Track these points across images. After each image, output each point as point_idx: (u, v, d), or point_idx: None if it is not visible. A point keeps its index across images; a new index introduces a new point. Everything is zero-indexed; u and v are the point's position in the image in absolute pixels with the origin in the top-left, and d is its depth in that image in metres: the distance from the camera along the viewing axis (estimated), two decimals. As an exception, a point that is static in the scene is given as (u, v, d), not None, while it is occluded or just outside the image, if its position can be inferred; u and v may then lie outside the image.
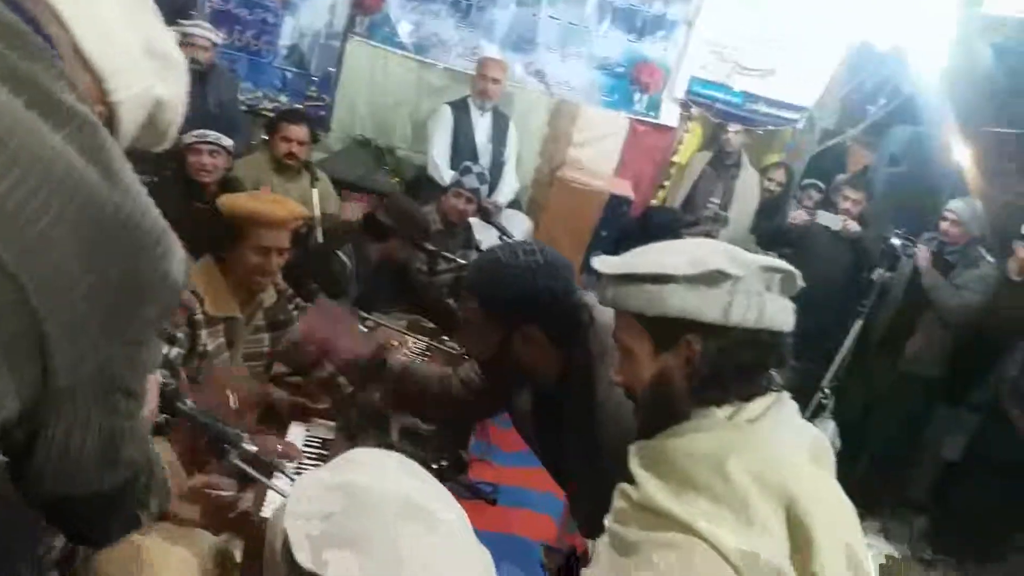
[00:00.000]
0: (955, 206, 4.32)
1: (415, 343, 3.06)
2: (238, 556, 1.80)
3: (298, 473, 1.94)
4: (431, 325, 3.42)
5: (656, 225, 4.68)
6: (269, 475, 1.81)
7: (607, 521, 1.20)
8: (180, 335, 2.06)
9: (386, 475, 0.90)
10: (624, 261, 1.20)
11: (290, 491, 0.85)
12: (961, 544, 4.24)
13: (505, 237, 3.86)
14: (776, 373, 1.20)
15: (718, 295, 1.12)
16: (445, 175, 4.28)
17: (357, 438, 2.25)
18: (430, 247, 3.43)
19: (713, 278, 1.12)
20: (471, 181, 3.77)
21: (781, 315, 1.15)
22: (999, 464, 4.14)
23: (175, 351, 2.04)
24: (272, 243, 2.17)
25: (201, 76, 4.12)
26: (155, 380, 1.47)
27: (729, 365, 1.14)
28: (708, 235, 4.73)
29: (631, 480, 1.16)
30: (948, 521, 4.29)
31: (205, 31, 4.15)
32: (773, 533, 1.03)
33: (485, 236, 4.18)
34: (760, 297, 1.13)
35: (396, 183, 4.91)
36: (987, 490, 4.09)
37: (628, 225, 4.68)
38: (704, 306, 1.12)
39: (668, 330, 1.15)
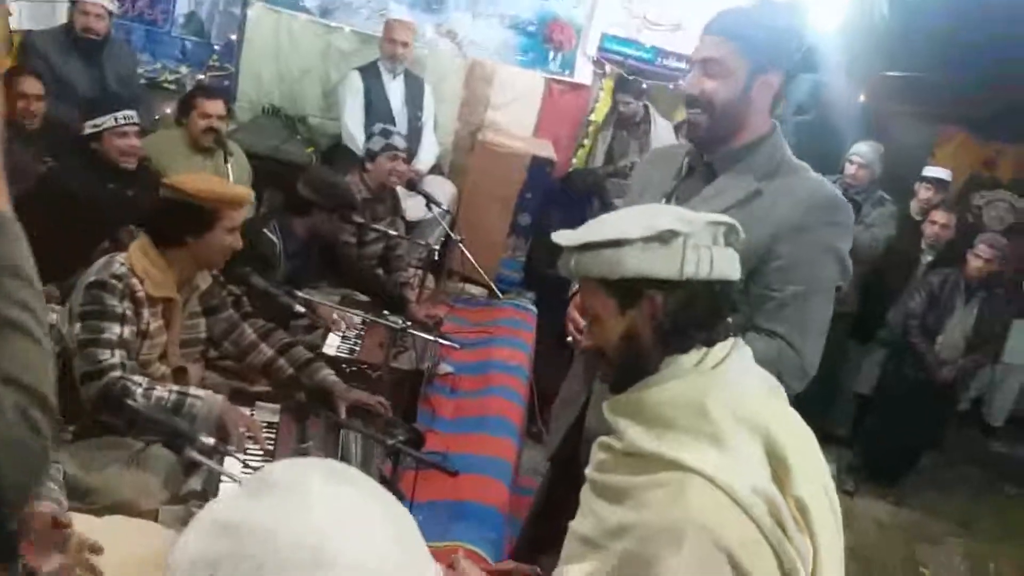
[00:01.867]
0: (860, 149, 4.52)
1: (352, 317, 3.03)
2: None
3: (246, 465, 1.91)
4: (364, 298, 3.39)
5: (580, 185, 4.74)
6: (222, 463, 1.78)
7: (588, 472, 1.26)
8: (127, 312, 2.01)
9: (314, 494, 0.70)
10: (582, 233, 1.27)
11: (182, 534, 0.71)
12: (880, 472, 4.54)
13: (433, 204, 3.83)
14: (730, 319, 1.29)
15: (671, 253, 1.20)
16: (360, 142, 4.18)
17: (306, 419, 2.22)
18: (358, 218, 3.37)
19: (665, 237, 1.20)
20: (399, 141, 3.70)
21: (729, 265, 1.25)
22: (906, 394, 4.43)
23: (127, 329, 2.00)
24: (236, 223, 2.22)
25: (97, 48, 3.89)
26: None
27: (690, 315, 1.22)
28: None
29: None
30: (867, 453, 4.57)
31: None
32: (756, 462, 1.14)
33: (411, 204, 4.13)
34: (709, 250, 1.22)
35: (311, 153, 4.78)
36: (898, 420, 4.38)
37: (552, 186, 4.70)
38: (660, 264, 1.20)
39: (630, 290, 1.23)
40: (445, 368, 3.12)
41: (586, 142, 5.23)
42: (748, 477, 1.11)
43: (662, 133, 4.99)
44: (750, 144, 1.76)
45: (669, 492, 1.11)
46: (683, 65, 5.13)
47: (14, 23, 3.37)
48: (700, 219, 1.23)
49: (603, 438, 1.26)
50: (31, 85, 3.34)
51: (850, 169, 4.49)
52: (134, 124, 3.12)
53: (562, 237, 1.29)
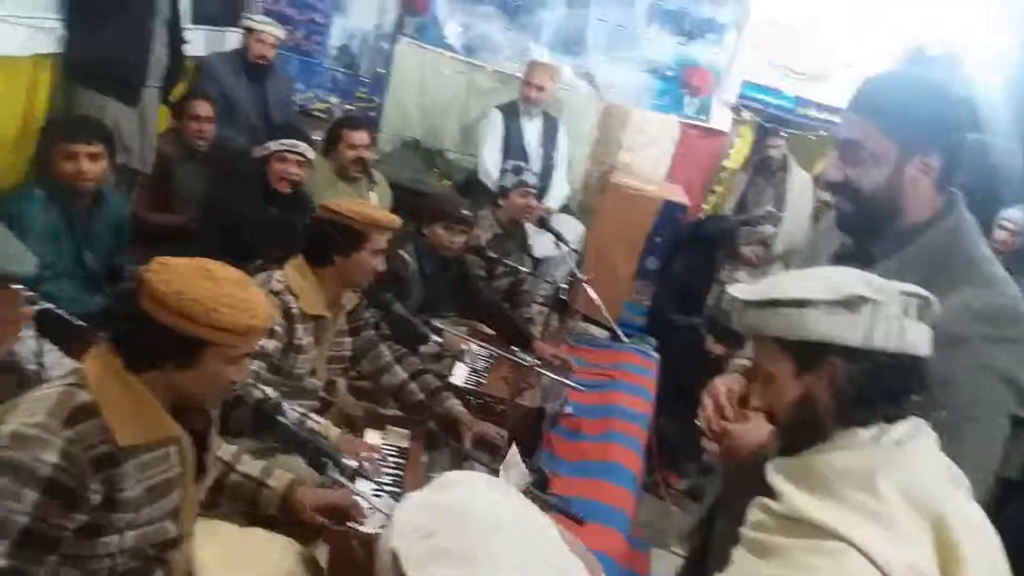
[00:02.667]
0: (1012, 215, 4.23)
1: (479, 349, 3.06)
2: (322, 562, 1.81)
3: (377, 487, 1.95)
4: (490, 331, 3.42)
5: (712, 232, 4.64)
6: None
7: (743, 531, 1.21)
8: (278, 328, 2.09)
9: (482, 494, 0.94)
10: (763, 288, 1.22)
11: (395, 512, 0.90)
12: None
13: (561, 242, 3.84)
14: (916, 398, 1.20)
15: (859, 319, 1.14)
16: (496, 178, 4.27)
17: (435, 447, 2.25)
18: (490, 253, 3.42)
19: (853, 303, 1.14)
20: (532, 179, 3.76)
21: (921, 340, 1.17)
22: None
23: (272, 344, 2.08)
24: (382, 245, 2.31)
25: (264, 74, 4.15)
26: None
27: (874, 387, 1.15)
28: (763, 241, 4.68)
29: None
30: (1011, 541, 4.20)
31: (271, 26, 4.17)
32: (924, 548, 1.07)
33: (540, 241, 4.16)
34: (900, 321, 1.15)
35: (447, 185, 4.91)
36: None
37: (682, 231, 4.63)
38: (845, 330, 1.14)
39: (810, 352, 1.17)
40: (567, 409, 3.10)
41: (719, 188, 5.15)
42: (916, 560, 1.05)
43: (800, 184, 4.85)
44: (911, 230, 1.48)
45: (829, 561, 1.06)
46: (824, 115, 4.99)
47: (190, 50, 3.63)
48: (892, 288, 1.17)
49: (761, 499, 1.20)
50: (203, 108, 3.58)
51: (1000, 235, 4.20)
52: (297, 153, 3.24)
53: (740, 291, 1.25)
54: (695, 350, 4.02)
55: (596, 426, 3.19)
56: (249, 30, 4.12)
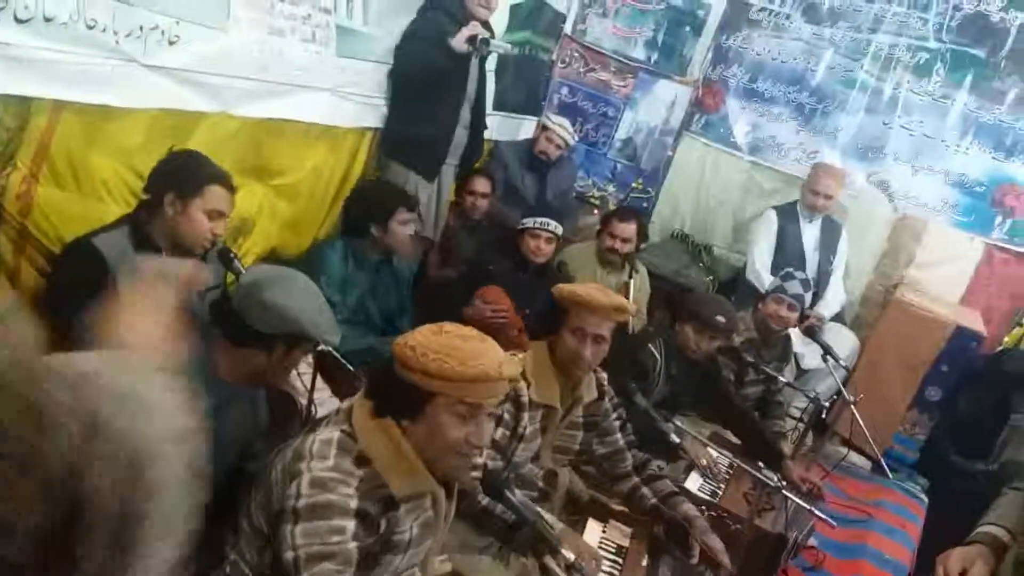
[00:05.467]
0: None
1: (719, 457, 2.90)
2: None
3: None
4: (734, 439, 3.24)
5: (1010, 367, 4.07)
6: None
7: None
8: (506, 416, 2.08)
9: None
10: None
11: None
12: None
13: (830, 356, 3.56)
14: None
15: None
16: (765, 280, 4.10)
17: (658, 554, 2.14)
18: (747, 357, 3.27)
19: None
20: (794, 287, 3.55)
21: None
22: None
23: (500, 431, 2.06)
24: (591, 328, 2.16)
25: (548, 166, 4.41)
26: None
27: None
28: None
29: None
30: None
31: (564, 132, 4.44)
32: None
33: (806, 351, 3.91)
34: None
35: (710, 281, 4.81)
36: None
37: (975, 364, 4.10)
38: None
39: None
40: (811, 541, 2.82)
41: (1025, 323, 4.51)
42: None
43: None
44: None
45: None
46: None
47: (486, 134, 3.96)
48: None
49: None
50: (480, 184, 3.90)
51: None
52: (547, 231, 3.59)
53: None
54: (972, 500, 3.48)
55: (842, 567, 2.87)
56: (545, 128, 4.42)
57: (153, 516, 0.57)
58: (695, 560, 2.16)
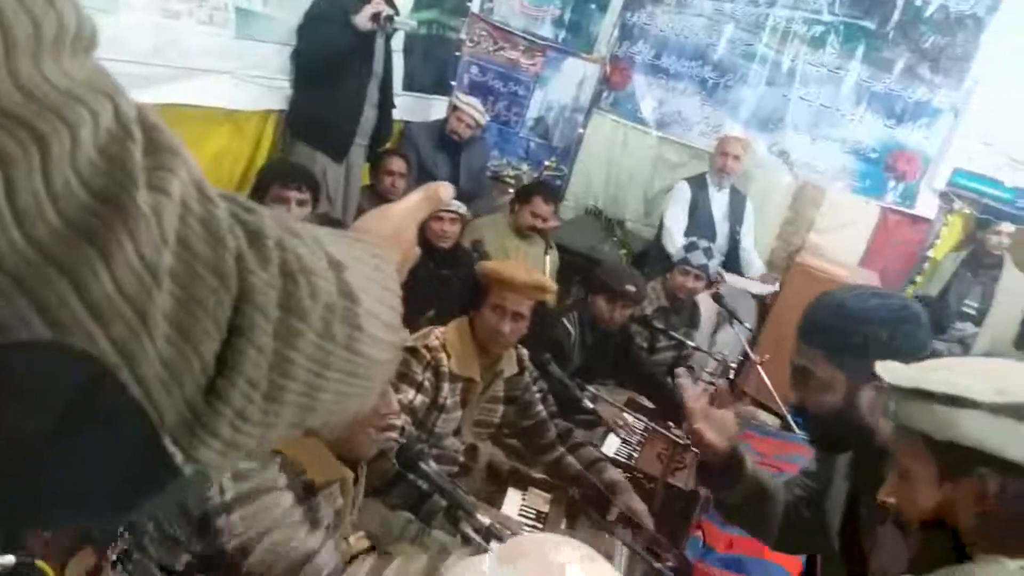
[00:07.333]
0: None
1: (635, 421, 3.00)
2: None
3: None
4: (648, 404, 3.34)
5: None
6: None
7: None
8: (426, 384, 2.12)
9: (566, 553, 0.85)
10: (915, 373, 1.06)
11: None
12: None
13: (736, 320, 3.71)
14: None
15: None
16: (679, 244, 4.20)
17: (576, 516, 2.21)
18: (658, 324, 3.37)
19: None
20: (697, 257, 3.67)
21: None
22: None
23: (420, 398, 2.10)
24: (510, 306, 2.20)
25: (459, 147, 4.41)
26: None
27: None
28: (962, 340, 4.28)
29: None
30: None
31: (475, 111, 4.42)
32: None
33: (708, 315, 4.04)
34: None
35: (623, 255, 4.91)
36: None
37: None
38: (1009, 442, 0.97)
39: (958, 459, 1.01)
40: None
41: (919, 279, 4.77)
42: None
43: (1013, 284, 4.40)
44: None
45: None
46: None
47: (396, 114, 3.93)
48: None
49: None
50: (397, 164, 3.87)
51: None
52: (452, 212, 3.36)
53: (888, 372, 1.09)
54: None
55: (754, 518, 3.00)
56: (455, 107, 4.42)
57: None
58: (612, 519, 2.24)
